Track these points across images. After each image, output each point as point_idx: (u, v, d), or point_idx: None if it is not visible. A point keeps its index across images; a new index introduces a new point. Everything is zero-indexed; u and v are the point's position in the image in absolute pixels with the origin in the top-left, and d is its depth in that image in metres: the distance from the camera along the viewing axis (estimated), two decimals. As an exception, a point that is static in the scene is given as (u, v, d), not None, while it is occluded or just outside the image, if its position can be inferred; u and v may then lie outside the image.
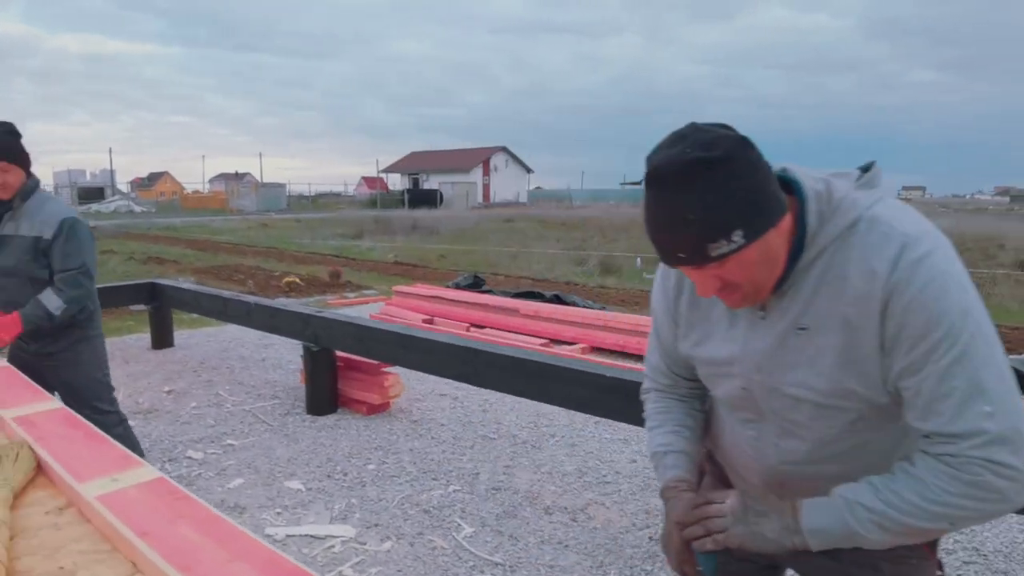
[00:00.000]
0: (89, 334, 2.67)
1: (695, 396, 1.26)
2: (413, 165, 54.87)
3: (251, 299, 4.83)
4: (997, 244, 14.76)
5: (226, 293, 5.11)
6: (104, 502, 1.08)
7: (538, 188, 60.88)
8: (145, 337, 6.00)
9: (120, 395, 3.63)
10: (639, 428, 4.07)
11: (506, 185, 53.01)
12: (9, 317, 2.42)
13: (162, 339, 5.71)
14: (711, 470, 1.31)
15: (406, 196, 38.64)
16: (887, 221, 0.94)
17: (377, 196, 40.49)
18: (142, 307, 6.27)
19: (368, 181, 58.32)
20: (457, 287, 8.54)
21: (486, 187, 51.28)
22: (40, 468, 1.25)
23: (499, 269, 12.30)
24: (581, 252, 15.01)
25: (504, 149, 54.39)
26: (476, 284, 8.72)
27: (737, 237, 0.90)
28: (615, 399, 2.71)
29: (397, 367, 4.50)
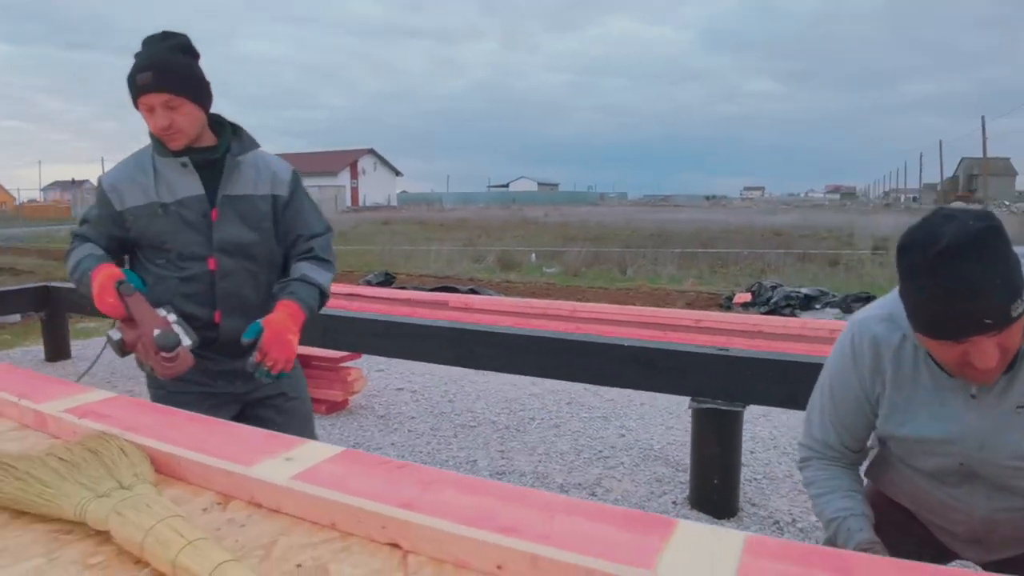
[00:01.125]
0: None
1: (857, 463, 1.37)
2: (276, 168, 52.20)
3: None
4: (847, 233, 16.49)
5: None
6: (309, 479, 0.89)
7: (403, 192, 60.08)
8: (35, 350, 5.19)
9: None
10: (620, 404, 4.15)
11: (375, 188, 51.87)
12: (282, 314, 1.54)
13: (58, 350, 4.95)
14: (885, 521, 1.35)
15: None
16: None
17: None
18: (18, 317, 5.43)
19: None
20: (369, 284, 8.22)
21: (354, 190, 49.88)
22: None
23: (397, 268, 11.98)
24: (477, 249, 14.97)
25: (371, 151, 53.19)
26: (388, 281, 8.47)
27: (1021, 304, 0.99)
28: (636, 369, 2.70)
29: (358, 362, 4.23)
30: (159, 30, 1.56)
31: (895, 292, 1.18)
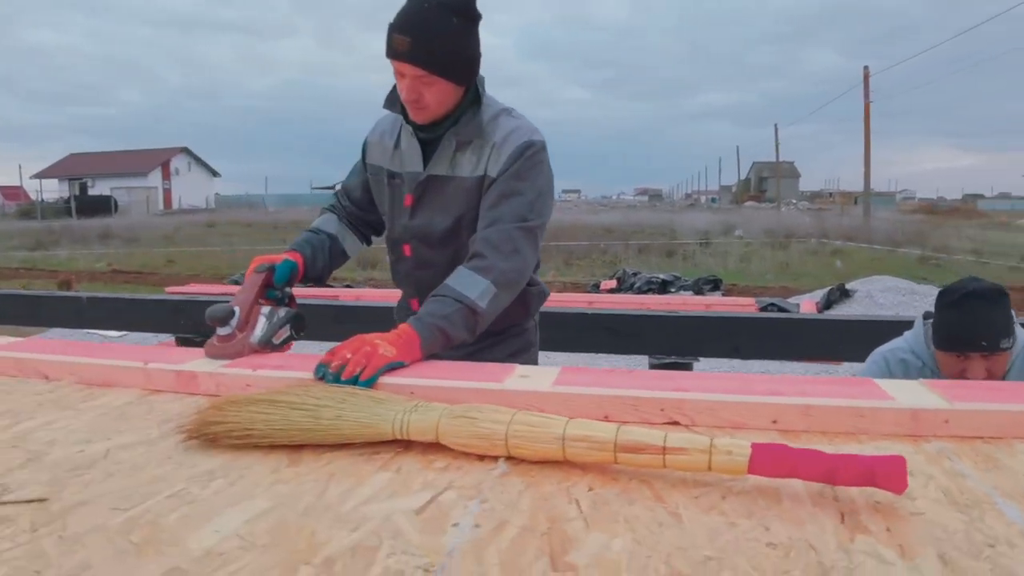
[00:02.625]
0: None
1: None
2: (75, 169, 45.97)
3: (82, 294, 3.87)
4: (671, 229, 18.23)
5: (37, 291, 3.98)
6: (565, 383, 1.03)
7: (217, 194, 55.95)
8: None
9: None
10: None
11: (191, 190, 47.66)
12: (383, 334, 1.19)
13: None
14: None
15: (73, 204, 32.55)
16: None
17: (39, 206, 33.16)
18: None
19: (7, 191, 47.12)
20: (236, 283, 7.75)
21: (167, 192, 45.56)
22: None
23: (243, 269, 11.30)
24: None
25: (185, 150, 48.87)
26: (256, 281, 8.05)
27: (1008, 342, 1.47)
28: (603, 335, 2.95)
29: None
30: None
31: (908, 336, 1.70)
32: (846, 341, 2.67)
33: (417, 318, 1.22)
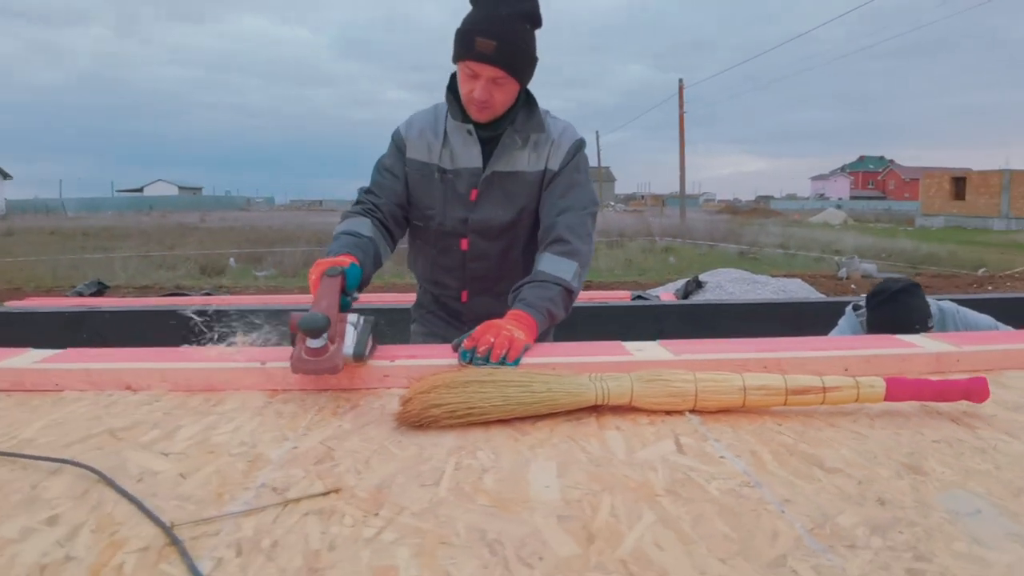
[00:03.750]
0: None
1: None
2: None
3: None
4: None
5: None
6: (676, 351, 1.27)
7: (5, 200, 48.46)
8: None
9: None
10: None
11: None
12: (503, 319, 1.30)
13: None
14: None
15: None
16: None
17: None
18: None
19: None
20: (80, 295, 6.94)
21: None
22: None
23: (66, 280, 10.07)
24: (165, 256, 13.33)
25: (-47, 146, 41.67)
26: (101, 291, 7.25)
27: (931, 322, 1.95)
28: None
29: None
30: None
31: (844, 325, 2.13)
32: (753, 319, 3.15)
33: (527, 303, 1.34)
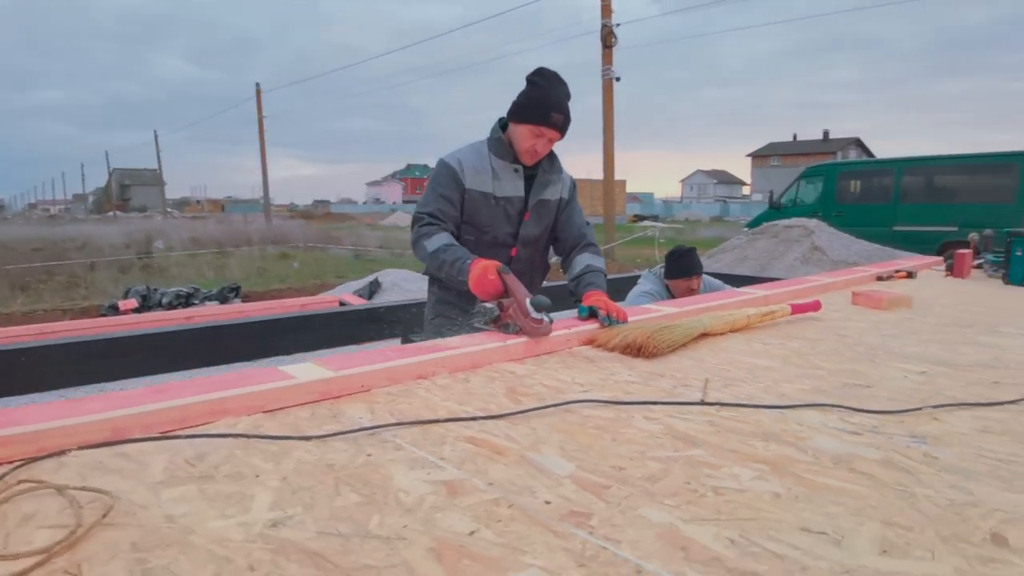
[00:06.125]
0: None
1: None
2: None
3: None
4: (82, 244, 16.27)
5: None
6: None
7: None
8: None
9: None
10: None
11: None
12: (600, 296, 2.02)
13: None
14: None
15: None
16: None
17: None
18: None
19: None
20: None
21: None
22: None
23: None
24: None
25: None
26: None
27: (702, 268, 3.36)
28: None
29: None
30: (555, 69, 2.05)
31: (645, 283, 3.24)
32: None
33: (598, 286, 2.08)
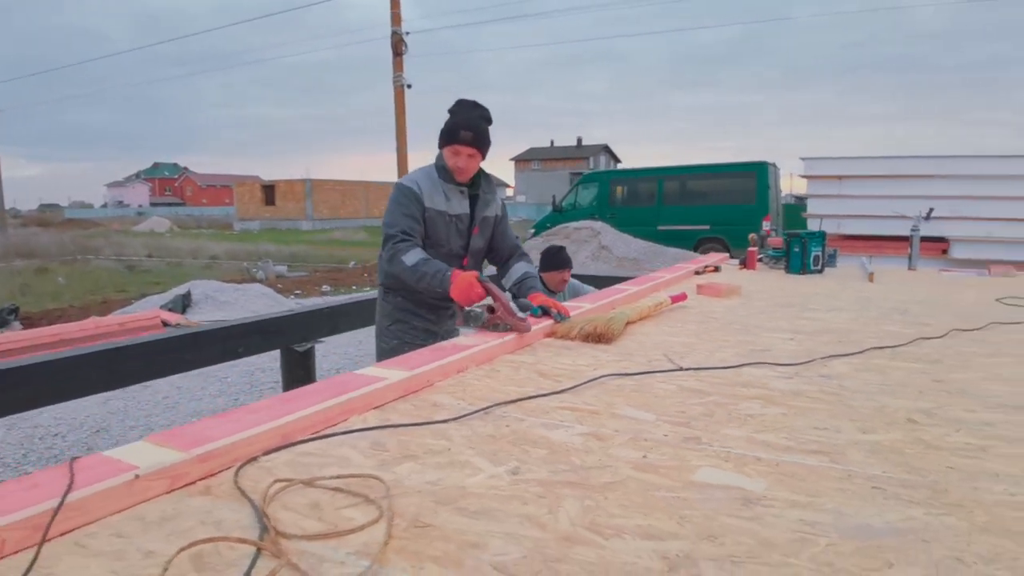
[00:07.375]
0: None
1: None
2: None
3: None
4: None
5: None
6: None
7: None
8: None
9: None
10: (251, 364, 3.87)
11: None
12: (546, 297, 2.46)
13: None
14: None
15: None
16: None
17: None
18: None
19: None
20: None
21: None
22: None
23: None
24: None
25: None
26: None
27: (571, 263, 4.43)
28: (257, 338, 3.78)
29: None
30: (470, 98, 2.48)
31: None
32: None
33: (538, 289, 2.58)
